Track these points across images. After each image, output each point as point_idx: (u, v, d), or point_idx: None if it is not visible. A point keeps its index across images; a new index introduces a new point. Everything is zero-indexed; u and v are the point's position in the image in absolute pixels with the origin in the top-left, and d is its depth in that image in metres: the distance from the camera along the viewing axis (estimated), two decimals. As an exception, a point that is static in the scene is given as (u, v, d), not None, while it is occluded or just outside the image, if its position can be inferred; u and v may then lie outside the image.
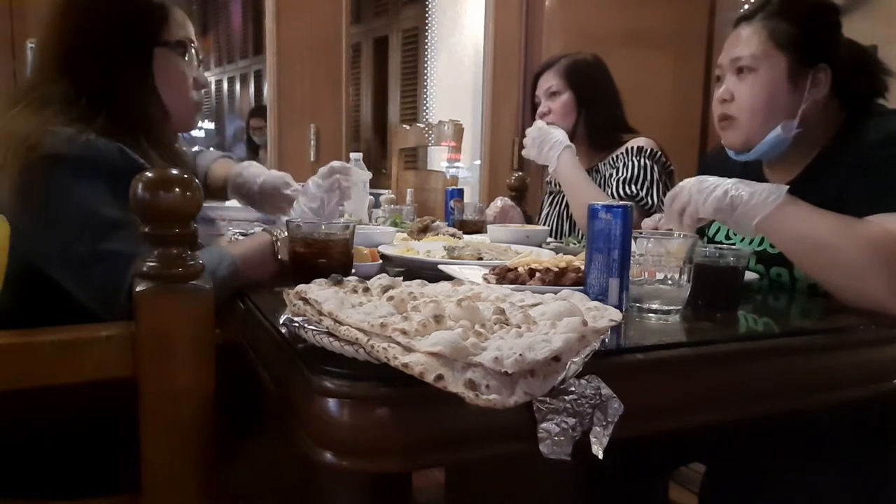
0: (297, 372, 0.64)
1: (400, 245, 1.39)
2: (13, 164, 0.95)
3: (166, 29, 1.12)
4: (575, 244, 1.64)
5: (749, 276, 1.10)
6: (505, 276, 0.98)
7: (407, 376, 0.57)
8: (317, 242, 0.96)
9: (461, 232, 1.63)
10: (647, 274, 0.90)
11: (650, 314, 0.88)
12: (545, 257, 1.04)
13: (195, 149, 1.57)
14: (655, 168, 1.75)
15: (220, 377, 0.76)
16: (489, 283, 0.95)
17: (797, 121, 1.15)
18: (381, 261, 1.18)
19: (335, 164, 1.30)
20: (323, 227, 0.99)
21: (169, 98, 1.13)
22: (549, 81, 1.89)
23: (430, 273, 1.05)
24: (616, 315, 0.71)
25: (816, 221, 1.01)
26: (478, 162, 3.43)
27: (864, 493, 1.06)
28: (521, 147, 1.85)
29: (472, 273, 1.03)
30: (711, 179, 1.07)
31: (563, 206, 1.95)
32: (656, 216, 1.25)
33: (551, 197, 2.03)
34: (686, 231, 1.06)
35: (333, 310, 0.66)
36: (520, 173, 2.30)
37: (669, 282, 0.89)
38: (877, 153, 1.07)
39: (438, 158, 4.04)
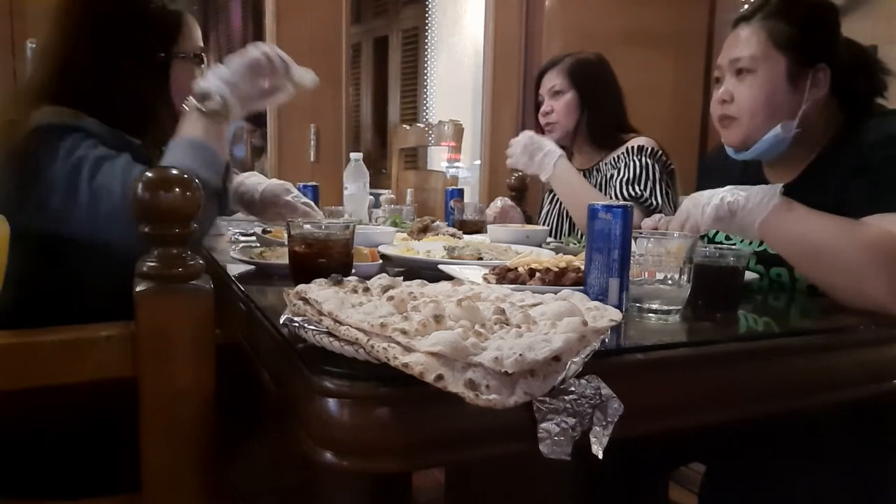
0: (297, 372, 0.64)
1: (400, 245, 1.39)
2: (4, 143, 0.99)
3: (181, 39, 1.15)
4: (575, 244, 1.64)
5: (749, 276, 1.10)
6: (505, 276, 0.98)
7: (407, 376, 0.57)
8: (317, 242, 0.96)
9: (461, 232, 1.63)
10: (647, 274, 0.90)
11: (650, 314, 0.88)
12: (545, 257, 1.04)
13: None
14: (657, 167, 1.75)
15: (220, 377, 0.76)
16: (489, 283, 0.95)
17: (797, 121, 1.15)
18: (381, 261, 1.18)
19: (263, 50, 1.15)
20: (323, 227, 0.99)
21: (181, 106, 1.15)
22: (553, 80, 1.89)
23: (430, 273, 1.05)
24: (616, 315, 0.71)
25: (814, 224, 1.01)
26: (478, 162, 3.43)
27: (864, 493, 1.06)
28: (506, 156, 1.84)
29: (472, 273, 1.03)
30: (706, 193, 1.07)
31: (563, 206, 1.95)
32: (656, 216, 1.25)
33: (551, 196, 2.03)
34: None
35: (333, 310, 0.66)
36: (520, 173, 2.29)
37: (669, 282, 0.89)
38: (876, 153, 1.07)
39: (438, 158, 4.04)
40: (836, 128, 1.17)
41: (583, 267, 0.91)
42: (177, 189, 0.73)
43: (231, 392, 0.83)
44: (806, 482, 1.03)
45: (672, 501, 1.47)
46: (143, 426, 0.74)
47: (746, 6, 1.24)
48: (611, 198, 1.74)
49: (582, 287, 0.89)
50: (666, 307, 0.88)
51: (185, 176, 0.74)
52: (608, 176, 1.83)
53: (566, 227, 1.95)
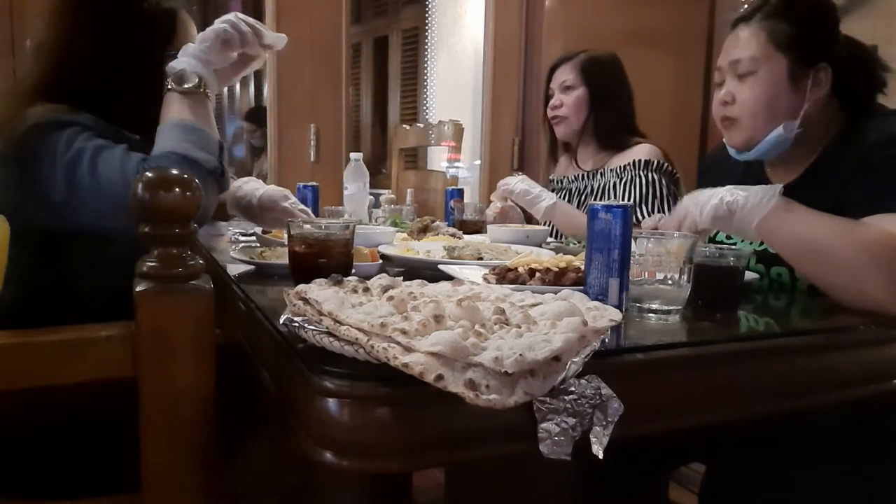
0: (297, 372, 0.64)
1: (400, 245, 1.39)
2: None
3: (177, 36, 1.14)
4: (575, 244, 1.64)
5: (749, 276, 1.10)
6: (505, 276, 0.98)
7: (407, 376, 0.57)
8: (317, 242, 0.96)
9: (461, 232, 1.63)
10: (647, 274, 0.90)
11: (650, 314, 0.88)
12: (545, 257, 1.04)
13: None
14: (663, 181, 1.75)
15: (220, 377, 0.76)
16: (489, 283, 0.95)
17: (799, 121, 1.15)
18: (381, 261, 1.18)
19: (231, 21, 1.13)
20: (323, 226, 0.99)
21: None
22: (565, 75, 1.88)
23: (430, 273, 1.05)
24: (616, 315, 0.71)
25: (814, 224, 1.01)
26: (478, 162, 3.43)
27: (864, 492, 1.06)
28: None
29: (472, 273, 1.03)
30: (706, 191, 1.07)
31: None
32: (657, 216, 1.25)
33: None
34: None
35: (333, 310, 0.66)
36: (520, 173, 2.29)
37: (669, 282, 0.89)
38: (877, 153, 1.07)
39: (438, 158, 4.04)
40: (837, 127, 1.17)
41: (583, 267, 0.91)
42: (177, 189, 0.73)
43: (231, 392, 0.83)
44: (806, 482, 1.03)
45: (672, 501, 1.47)
46: (143, 426, 0.74)
47: (746, 6, 1.24)
48: None
49: (582, 287, 0.89)
50: (666, 307, 0.88)
51: (185, 176, 0.74)
52: (611, 185, 1.83)
53: (566, 227, 1.95)
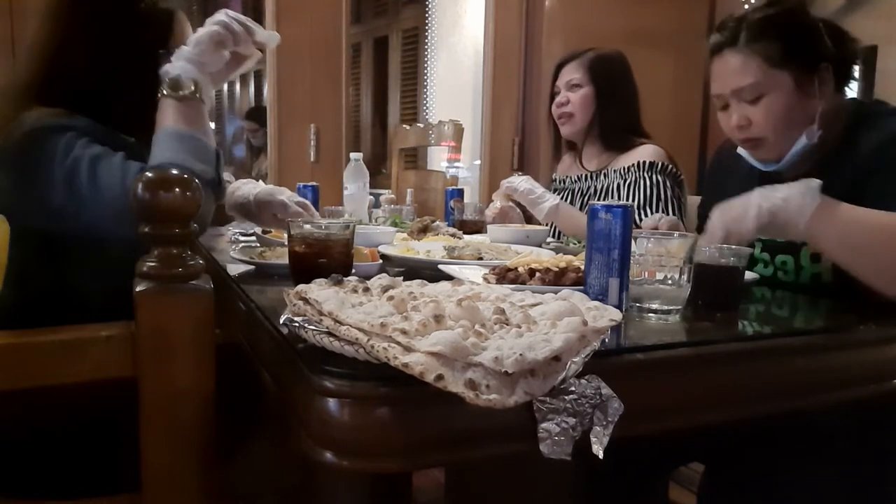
0: (297, 372, 0.64)
1: (400, 245, 1.39)
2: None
3: (173, 37, 1.14)
4: (575, 244, 1.64)
5: (749, 275, 1.09)
6: (505, 276, 0.98)
7: (407, 376, 0.57)
8: (317, 242, 0.96)
9: (461, 232, 1.63)
10: (647, 274, 0.90)
11: (650, 314, 0.88)
12: (545, 257, 1.04)
13: None
14: (668, 182, 1.74)
15: (220, 377, 0.76)
16: (489, 283, 0.95)
17: (818, 123, 1.14)
18: (381, 261, 1.18)
19: (222, 21, 1.12)
20: (323, 226, 0.99)
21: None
22: (572, 73, 1.87)
23: (430, 273, 1.05)
24: (616, 315, 0.71)
25: (861, 220, 0.98)
26: (478, 162, 3.43)
27: (864, 493, 1.06)
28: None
29: (472, 273, 1.03)
30: (735, 203, 1.03)
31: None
32: (656, 216, 1.25)
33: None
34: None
35: (333, 310, 0.66)
36: (520, 173, 2.29)
37: (669, 282, 0.89)
38: (886, 152, 1.06)
39: (438, 158, 4.04)
40: (842, 126, 1.17)
41: (583, 267, 0.91)
42: (177, 189, 0.73)
43: (231, 392, 0.83)
44: (806, 482, 1.03)
45: (672, 501, 1.48)
46: (143, 426, 0.74)
47: (747, 6, 1.23)
48: None
49: (582, 287, 0.89)
50: (666, 307, 0.88)
51: (185, 176, 0.74)
52: (614, 186, 1.82)
53: (566, 227, 1.95)
